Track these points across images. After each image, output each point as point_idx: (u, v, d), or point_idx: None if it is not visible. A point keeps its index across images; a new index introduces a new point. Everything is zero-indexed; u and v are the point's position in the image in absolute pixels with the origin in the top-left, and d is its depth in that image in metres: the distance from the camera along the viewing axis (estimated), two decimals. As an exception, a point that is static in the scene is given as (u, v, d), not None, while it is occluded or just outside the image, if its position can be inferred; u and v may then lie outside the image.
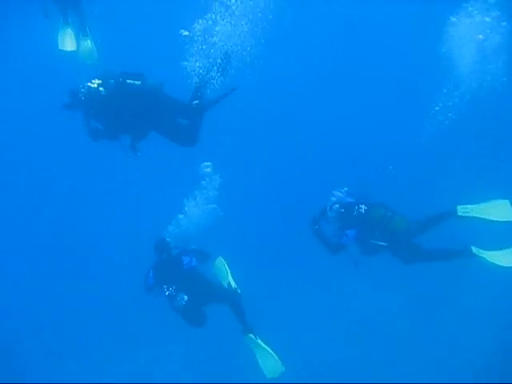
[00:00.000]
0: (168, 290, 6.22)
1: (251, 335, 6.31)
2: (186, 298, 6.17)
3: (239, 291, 6.61)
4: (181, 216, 7.17)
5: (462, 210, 6.33)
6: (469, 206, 6.36)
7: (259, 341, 6.30)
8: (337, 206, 6.34)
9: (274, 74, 11.95)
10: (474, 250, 6.07)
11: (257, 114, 12.47)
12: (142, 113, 5.81)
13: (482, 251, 6.07)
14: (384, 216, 6.25)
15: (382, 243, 6.23)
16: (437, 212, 6.47)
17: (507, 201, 6.35)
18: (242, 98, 6.59)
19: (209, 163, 7.43)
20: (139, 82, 5.78)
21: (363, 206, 6.28)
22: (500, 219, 6.24)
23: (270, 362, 6.29)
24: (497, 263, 6.01)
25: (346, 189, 6.52)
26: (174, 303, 6.20)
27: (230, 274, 6.81)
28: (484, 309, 9.19)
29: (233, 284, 6.68)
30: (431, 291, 9.74)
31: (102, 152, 7.01)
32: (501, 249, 6.14)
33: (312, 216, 6.52)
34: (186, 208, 7.27)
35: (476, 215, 6.29)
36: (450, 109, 8.72)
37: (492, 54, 8.20)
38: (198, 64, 6.04)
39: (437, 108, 8.76)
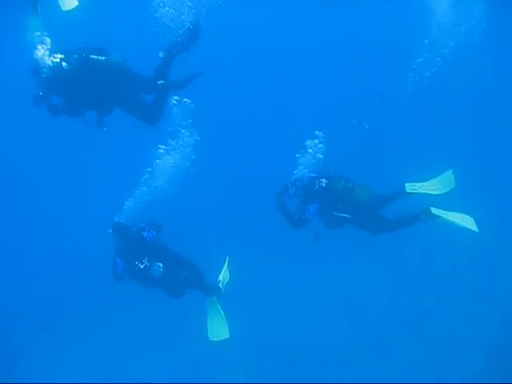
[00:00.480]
0: (141, 263, 6.30)
1: (215, 298, 6.52)
2: (161, 265, 6.29)
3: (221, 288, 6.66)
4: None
5: (409, 187, 6.61)
6: (416, 183, 6.66)
7: (218, 305, 6.50)
8: (298, 181, 6.51)
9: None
10: (434, 210, 6.36)
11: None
12: (105, 88, 5.80)
13: (442, 211, 6.40)
14: (345, 187, 6.43)
15: (345, 215, 6.41)
16: (388, 191, 6.69)
17: (450, 170, 6.72)
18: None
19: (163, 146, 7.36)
20: (103, 58, 5.77)
21: (324, 180, 6.45)
22: (445, 190, 6.61)
23: (218, 325, 6.47)
24: (457, 222, 6.35)
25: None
26: (151, 273, 6.27)
27: (224, 270, 6.89)
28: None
29: (221, 278, 6.75)
30: (413, 265, 10.09)
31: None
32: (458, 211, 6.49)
33: (275, 192, 6.66)
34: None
35: (424, 191, 6.60)
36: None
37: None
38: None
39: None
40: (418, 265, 10.01)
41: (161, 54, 6.03)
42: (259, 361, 8.92)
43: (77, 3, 6.99)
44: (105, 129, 6.06)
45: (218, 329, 6.48)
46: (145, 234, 6.54)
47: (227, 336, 6.49)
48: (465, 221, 6.39)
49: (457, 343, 8.67)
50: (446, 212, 6.42)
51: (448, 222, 6.38)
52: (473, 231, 6.35)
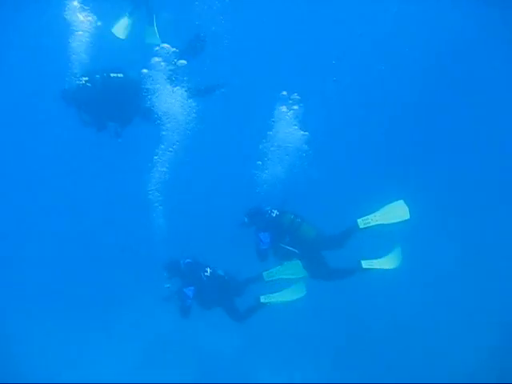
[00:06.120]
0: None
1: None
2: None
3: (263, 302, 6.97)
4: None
5: (362, 222, 6.45)
6: (368, 216, 6.47)
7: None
8: (252, 210, 6.82)
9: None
10: (364, 264, 6.45)
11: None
12: (125, 102, 6.66)
13: (371, 262, 6.46)
14: (293, 221, 6.62)
15: (292, 249, 6.62)
16: (341, 229, 6.63)
17: (401, 200, 6.57)
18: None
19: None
20: (121, 75, 6.68)
21: (275, 211, 6.73)
22: (399, 220, 6.45)
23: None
24: (386, 268, 6.42)
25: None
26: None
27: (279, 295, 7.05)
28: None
29: (265, 299, 7.01)
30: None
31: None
32: (387, 253, 6.58)
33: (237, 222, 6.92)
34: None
35: (378, 223, 6.42)
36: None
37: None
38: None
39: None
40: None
41: None
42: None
43: (124, 37, 8.01)
44: (120, 140, 6.87)
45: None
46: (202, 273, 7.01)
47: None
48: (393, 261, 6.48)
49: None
50: (376, 261, 6.47)
51: (381, 271, 6.42)
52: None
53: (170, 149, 7.32)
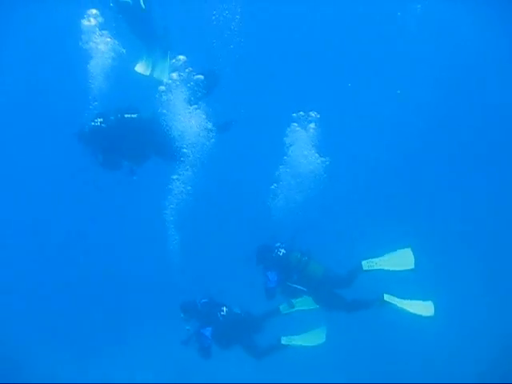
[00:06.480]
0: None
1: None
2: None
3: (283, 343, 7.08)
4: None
5: (366, 264, 6.57)
6: (374, 259, 6.59)
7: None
8: (260, 248, 6.91)
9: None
10: (386, 297, 6.40)
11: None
12: (140, 141, 6.79)
13: (394, 298, 6.41)
14: (300, 260, 6.69)
15: (299, 287, 6.68)
16: (346, 270, 6.74)
17: (409, 248, 6.65)
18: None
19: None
20: (135, 115, 6.78)
21: (282, 250, 6.78)
22: (403, 268, 6.53)
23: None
24: (408, 310, 6.30)
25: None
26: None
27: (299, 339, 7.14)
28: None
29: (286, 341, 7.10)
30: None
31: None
32: (413, 298, 6.46)
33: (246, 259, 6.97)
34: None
35: (381, 267, 6.54)
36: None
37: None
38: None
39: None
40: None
41: None
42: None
43: (147, 73, 8.21)
44: (135, 178, 6.95)
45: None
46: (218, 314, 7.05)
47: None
48: (420, 308, 6.35)
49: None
50: (400, 300, 6.39)
51: (403, 310, 6.33)
52: (428, 317, 6.28)
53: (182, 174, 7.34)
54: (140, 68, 8.53)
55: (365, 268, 6.52)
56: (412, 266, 6.48)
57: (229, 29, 8.71)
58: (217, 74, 7.38)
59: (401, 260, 6.53)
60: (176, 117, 6.78)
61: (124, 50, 7.15)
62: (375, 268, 6.49)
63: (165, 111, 6.75)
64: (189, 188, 7.38)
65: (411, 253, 6.56)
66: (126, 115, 6.73)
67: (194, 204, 7.61)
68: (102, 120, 6.57)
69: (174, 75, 6.81)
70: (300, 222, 7.27)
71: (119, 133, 6.61)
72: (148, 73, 8.46)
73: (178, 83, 6.78)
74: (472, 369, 9.21)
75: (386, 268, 6.49)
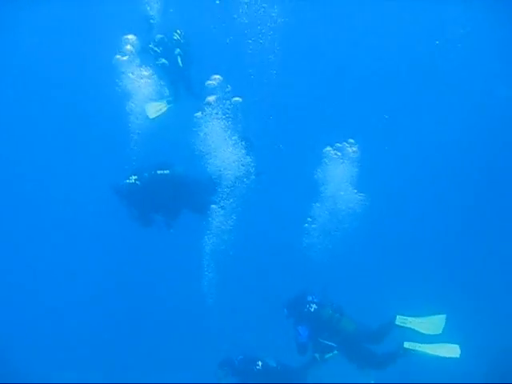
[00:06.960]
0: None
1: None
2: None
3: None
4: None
5: (400, 320, 6.58)
6: (409, 317, 6.59)
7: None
8: (292, 301, 6.88)
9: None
10: (407, 344, 6.41)
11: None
12: (173, 197, 7.03)
13: (414, 344, 6.40)
14: (332, 317, 6.65)
15: (330, 343, 6.61)
16: (379, 323, 6.76)
17: (444, 315, 6.58)
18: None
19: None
20: (168, 171, 7.03)
21: (314, 306, 6.71)
22: (432, 333, 6.46)
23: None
24: (432, 354, 6.31)
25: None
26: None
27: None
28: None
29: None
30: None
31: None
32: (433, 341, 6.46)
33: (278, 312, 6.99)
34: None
35: (412, 327, 6.50)
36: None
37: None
38: None
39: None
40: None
41: None
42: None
43: (152, 117, 8.47)
44: (172, 231, 7.15)
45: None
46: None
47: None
48: (444, 350, 6.35)
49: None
50: (421, 345, 6.40)
51: (428, 355, 6.34)
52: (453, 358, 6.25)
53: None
54: (150, 109, 8.51)
55: (397, 323, 6.54)
56: (440, 332, 6.44)
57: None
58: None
59: (433, 325, 6.49)
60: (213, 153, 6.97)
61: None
62: (407, 326, 6.49)
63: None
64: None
65: (444, 320, 6.51)
66: (158, 172, 7.00)
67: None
68: (136, 177, 6.88)
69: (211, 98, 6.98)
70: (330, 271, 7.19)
71: (153, 189, 6.88)
72: (152, 117, 8.46)
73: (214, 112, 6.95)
74: (472, 369, 8.86)
75: (415, 329, 6.46)
